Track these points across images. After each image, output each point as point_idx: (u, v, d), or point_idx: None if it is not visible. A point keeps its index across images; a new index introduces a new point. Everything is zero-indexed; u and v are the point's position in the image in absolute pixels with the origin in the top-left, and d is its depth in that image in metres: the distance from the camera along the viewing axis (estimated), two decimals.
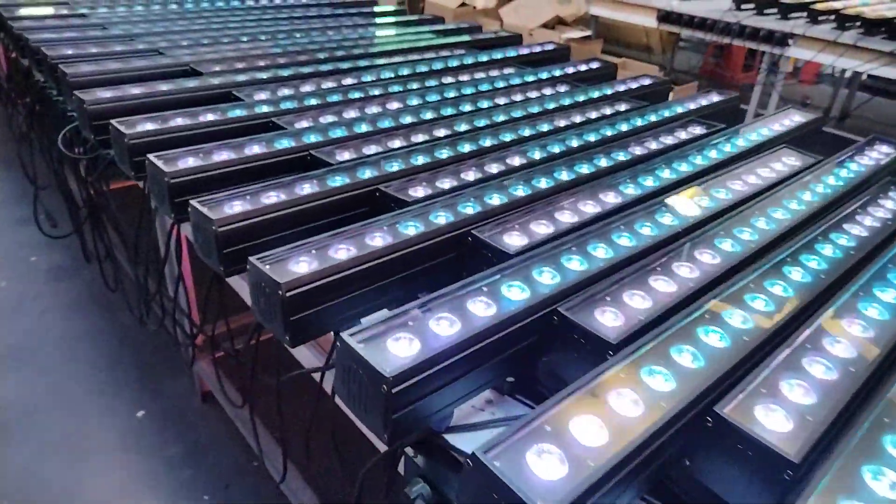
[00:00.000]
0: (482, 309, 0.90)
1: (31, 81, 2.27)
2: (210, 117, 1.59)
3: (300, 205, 1.21)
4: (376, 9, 3.22)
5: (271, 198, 1.21)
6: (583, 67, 2.28)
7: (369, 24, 2.84)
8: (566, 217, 1.21)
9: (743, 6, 5.03)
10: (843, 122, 5.89)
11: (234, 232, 1.13)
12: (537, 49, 2.48)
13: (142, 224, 1.83)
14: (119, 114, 1.64)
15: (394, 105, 1.79)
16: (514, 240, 1.11)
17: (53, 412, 2.40)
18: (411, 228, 1.12)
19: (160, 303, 1.96)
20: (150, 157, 1.34)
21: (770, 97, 4.84)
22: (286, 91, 1.85)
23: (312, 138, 1.50)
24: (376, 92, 1.89)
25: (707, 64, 7.18)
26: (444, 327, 0.86)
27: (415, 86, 1.98)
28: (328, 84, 1.94)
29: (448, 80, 2.07)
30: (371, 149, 1.49)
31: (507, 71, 2.23)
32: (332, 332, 1.06)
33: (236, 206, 1.17)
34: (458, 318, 0.87)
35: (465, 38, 2.61)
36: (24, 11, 2.55)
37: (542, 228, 1.16)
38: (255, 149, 1.43)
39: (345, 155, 1.45)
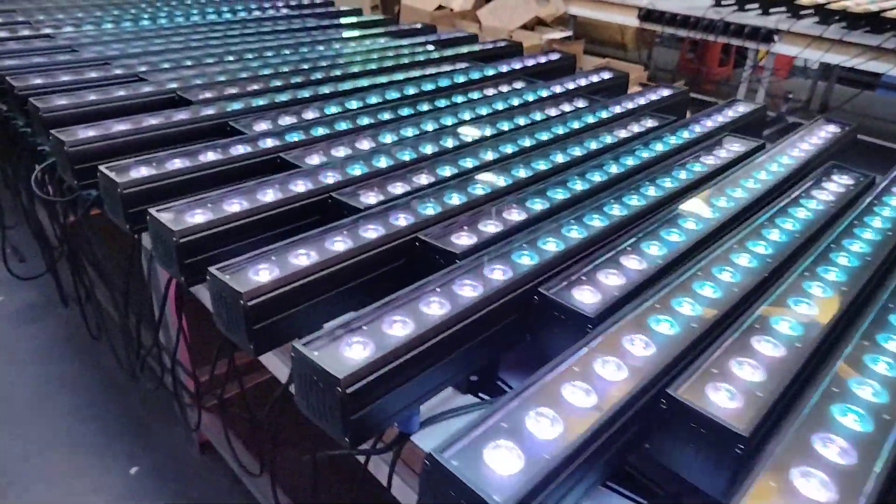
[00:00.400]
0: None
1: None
2: (211, 156, 1.42)
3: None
4: (363, 18, 3.05)
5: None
6: (595, 78, 2.16)
7: (360, 36, 2.68)
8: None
9: (723, 2, 4.99)
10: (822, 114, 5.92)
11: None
12: (543, 60, 2.35)
13: (131, 271, 1.65)
14: (105, 155, 1.46)
15: (409, 131, 1.64)
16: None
17: (33, 482, 2.17)
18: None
19: (155, 355, 1.77)
20: (152, 211, 1.17)
21: (757, 93, 4.81)
22: (289, 119, 1.69)
23: (331, 179, 1.35)
24: (386, 116, 1.74)
25: (683, 60, 7.16)
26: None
27: (425, 107, 1.83)
28: (332, 109, 1.78)
29: (459, 98, 1.92)
30: (398, 187, 1.34)
31: (517, 86, 2.10)
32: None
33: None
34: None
35: (464, 49, 2.47)
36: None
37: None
38: (268, 194, 1.26)
39: (370, 198, 1.29)
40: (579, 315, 0.93)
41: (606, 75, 2.19)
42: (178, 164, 1.38)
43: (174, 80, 1.91)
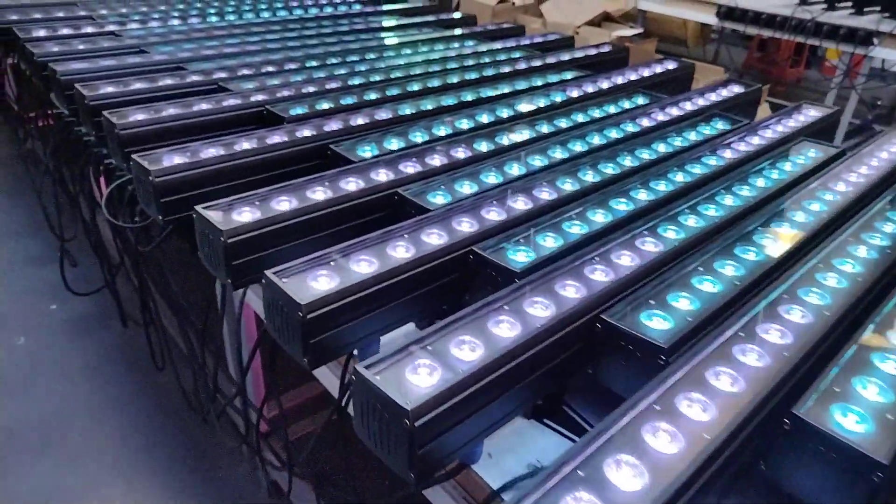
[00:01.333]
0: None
1: (60, 123, 1.88)
2: (320, 194, 1.20)
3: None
4: (442, 16, 2.80)
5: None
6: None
7: (442, 37, 2.43)
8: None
9: (811, 1, 4.64)
10: None
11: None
12: (659, 70, 2.08)
13: (209, 313, 1.45)
14: (195, 186, 1.29)
15: (536, 160, 1.41)
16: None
17: None
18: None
19: (224, 394, 1.57)
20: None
21: (849, 100, 4.47)
22: (395, 142, 1.47)
23: (464, 226, 1.12)
24: (507, 140, 1.51)
25: (751, 59, 6.77)
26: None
27: (544, 128, 1.59)
28: (441, 130, 1.55)
29: (579, 117, 1.69)
30: (465, 187, 1.12)
31: (641, 101, 1.85)
32: None
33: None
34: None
35: (565, 57, 2.21)
36: (45, 32, 2.12)
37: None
38: (397, 253, 1.04)
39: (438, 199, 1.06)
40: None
41: (671, 66, 2.13)
42: (283, 204, 1.16)
43: (258, 90, 1.70)
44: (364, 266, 0.99)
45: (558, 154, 1.45)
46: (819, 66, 6.62)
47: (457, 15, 2.83)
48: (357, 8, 2.81)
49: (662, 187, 1.29)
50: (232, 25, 2.42)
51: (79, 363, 2.61)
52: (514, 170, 1.36)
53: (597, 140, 1.53)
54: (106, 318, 2.78)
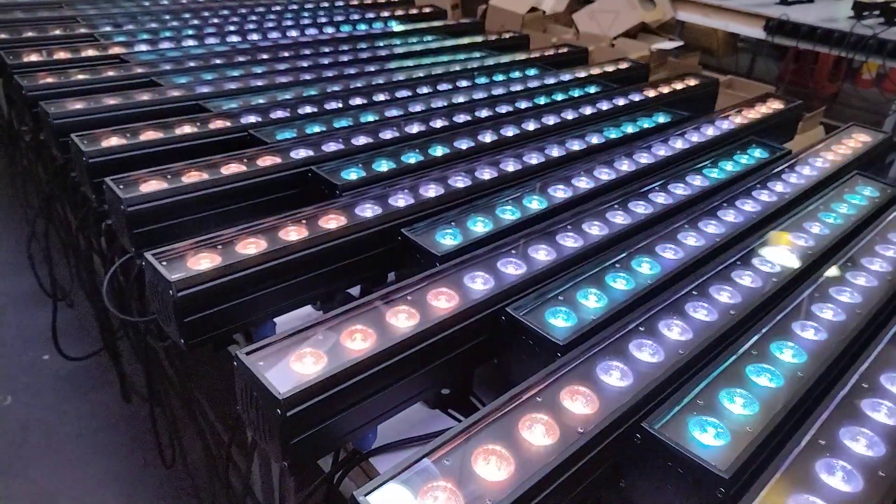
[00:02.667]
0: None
1: (61, 179, 1.58)
2: None
3: None
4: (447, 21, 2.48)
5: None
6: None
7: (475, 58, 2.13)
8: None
9: (864, 14, 4.32)
10: None
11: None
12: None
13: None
14: (219, 303, 0.95)
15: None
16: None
17: None
18: None
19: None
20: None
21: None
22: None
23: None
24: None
25: (786, 72, 6.44)
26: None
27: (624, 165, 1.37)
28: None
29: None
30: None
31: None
32: None
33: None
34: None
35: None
36: (37, 56, 1.80)
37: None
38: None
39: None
40: None
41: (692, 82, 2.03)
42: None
43: (298, 143, 1.38)
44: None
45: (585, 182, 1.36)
46: (854, 79, 6.31)
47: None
48: (379, 27, 2.50)
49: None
50: (256, 48, 2.10)
51: (72, 430, 2.28)
52: (534, 204, 1.27)
53: (626, 166, 1.43)
54: (105, 371, 2.45)
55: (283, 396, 0.72)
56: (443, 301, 0.93)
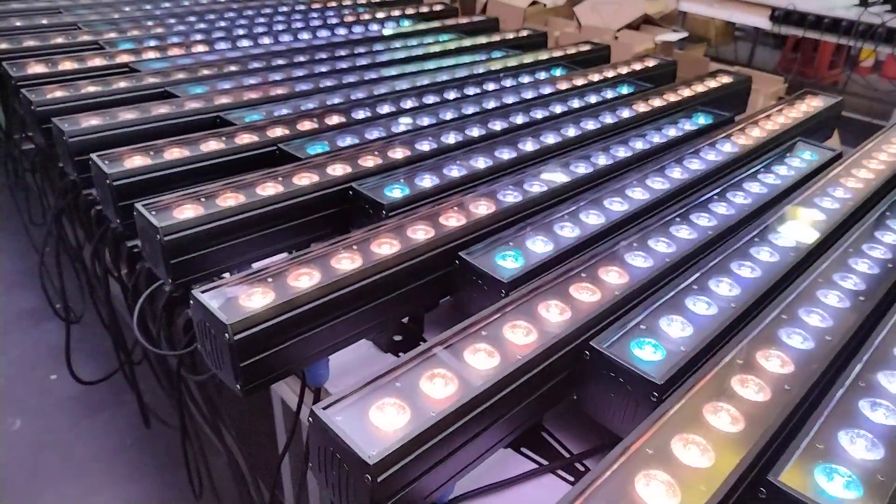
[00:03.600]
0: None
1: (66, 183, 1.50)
2: None
3: None
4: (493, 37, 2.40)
5: None
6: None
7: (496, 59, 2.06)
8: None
9: (871, 1, 4.28)
10: None
11: None
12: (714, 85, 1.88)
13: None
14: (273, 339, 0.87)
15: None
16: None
17: None
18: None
19: None
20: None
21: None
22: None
23: None
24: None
25: (785, 60, 6.39)
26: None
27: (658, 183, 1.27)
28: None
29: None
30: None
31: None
32: None
33: None
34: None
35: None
36: (44, 67, 1.70)
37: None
38: None
39: None
40: None
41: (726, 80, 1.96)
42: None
43: (334, 158, 1.30)
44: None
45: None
46: (853, 66, 6.29)
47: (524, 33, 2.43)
48: (392, 26, 2.41)
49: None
50: (270, 53, 2.00)
51: (87, 453, 2.19)
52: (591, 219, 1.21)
53: (678, 173, 1.37)
54: (120, 391, 2.36)
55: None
56: (520, 335, 0.86)
